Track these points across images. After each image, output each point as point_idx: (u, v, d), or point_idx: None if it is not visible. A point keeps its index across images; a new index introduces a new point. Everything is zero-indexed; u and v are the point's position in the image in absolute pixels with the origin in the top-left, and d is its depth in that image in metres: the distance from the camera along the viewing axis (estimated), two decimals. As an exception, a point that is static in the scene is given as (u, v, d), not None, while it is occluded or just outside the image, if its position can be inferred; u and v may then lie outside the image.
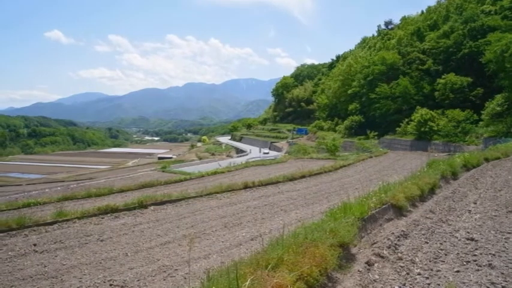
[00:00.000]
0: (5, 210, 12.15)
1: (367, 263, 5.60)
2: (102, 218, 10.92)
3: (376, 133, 52.24)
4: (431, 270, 5.53)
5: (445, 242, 6.81)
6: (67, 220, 10.30)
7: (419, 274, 5.38)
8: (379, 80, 60.10)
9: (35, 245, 8.49)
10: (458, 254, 6.19)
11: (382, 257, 5.89)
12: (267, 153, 66.60)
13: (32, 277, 6.70)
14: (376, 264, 5.62)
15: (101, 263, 7.38)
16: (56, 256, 7.80)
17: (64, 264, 7.30)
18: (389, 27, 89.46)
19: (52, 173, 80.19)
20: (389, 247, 6.29)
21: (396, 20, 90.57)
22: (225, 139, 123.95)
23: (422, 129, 45.58)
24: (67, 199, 14.31)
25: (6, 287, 6.32)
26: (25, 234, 9.23)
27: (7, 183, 53.73)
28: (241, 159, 50.09)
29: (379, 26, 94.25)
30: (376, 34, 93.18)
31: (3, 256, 7.79)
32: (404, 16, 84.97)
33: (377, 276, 5.24)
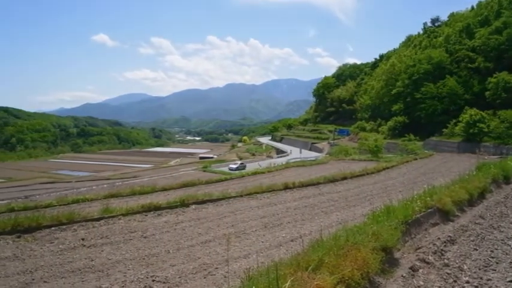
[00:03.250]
0: (56, 205, 12.81)
1: (411, 268, 5.42)
2: (146, 215, 11.25)
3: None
4: (481, 278, 5.27)
5: (496, 249, 6.48)
6: (113, 216, 10.72)
7: (467, 282, 5.14)
8: (425, 80, 57.89)
9: (83, 239, 8.89)
10: (511, 262, 5.86)
11: (427, 263, 5.68)
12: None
13: (80, 270, 7.01)
14: (420, 270, 5.43)
15: (144, 259, 7.61)
16: (102, 251, 8.12)
17: (110, 259, 7.59)
18: (436, 24, 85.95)
19: (99, 171, 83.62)
20: (435, 253, 6.06)
21: (443, 17, 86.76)
22: (265, 139, 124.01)
23: (471, 130, 43.53)
24: (113, 196, 14.91)
25: (57, 279, 6.65)
26: (74, 229, 9.68)
27: (58, 180, 56.69)
28: (282, 160, 50.07)
29: (425, 24, 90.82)
30: (421, 32, 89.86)
31: (55, 249, 8.21)
32: (453, 12, 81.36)
33: (422, 283, 5.06)
